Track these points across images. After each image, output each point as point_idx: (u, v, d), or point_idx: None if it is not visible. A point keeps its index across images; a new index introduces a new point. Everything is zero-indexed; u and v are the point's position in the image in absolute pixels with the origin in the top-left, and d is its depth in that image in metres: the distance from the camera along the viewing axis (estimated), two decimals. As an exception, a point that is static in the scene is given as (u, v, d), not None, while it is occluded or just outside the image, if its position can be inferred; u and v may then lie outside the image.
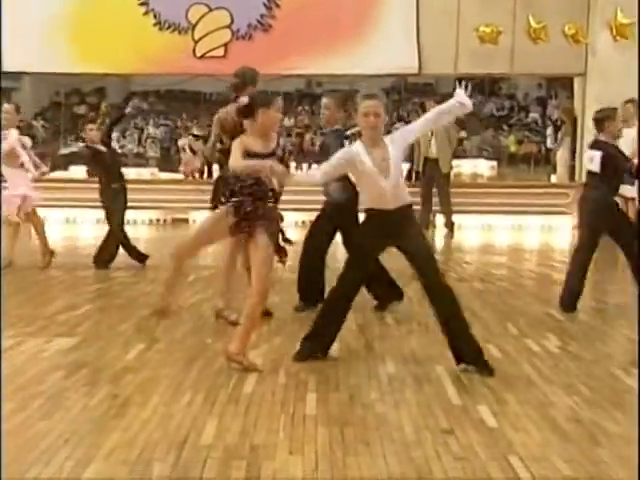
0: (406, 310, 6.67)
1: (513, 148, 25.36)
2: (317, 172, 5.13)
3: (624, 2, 12.02)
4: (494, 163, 23.51)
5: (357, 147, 4.91)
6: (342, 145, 5.77)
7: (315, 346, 5.05)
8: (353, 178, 5.33)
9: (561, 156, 14.14)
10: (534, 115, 27.75)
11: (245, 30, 13.78)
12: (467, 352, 4.86)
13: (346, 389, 4.48)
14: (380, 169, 4.82)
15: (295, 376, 4.70)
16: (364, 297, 6.56)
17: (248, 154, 4.82)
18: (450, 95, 4.98)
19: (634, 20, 11.62)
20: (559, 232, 13.01)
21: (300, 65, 13.61)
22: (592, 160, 6.63)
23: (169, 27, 13.87)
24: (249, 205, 4.83)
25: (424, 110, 13.05)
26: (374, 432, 3.81)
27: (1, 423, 3.85)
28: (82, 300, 7.00)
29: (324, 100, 6.50)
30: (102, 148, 8.66)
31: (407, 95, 27.35)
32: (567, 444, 3.69)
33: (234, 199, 4.89)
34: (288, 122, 23.52)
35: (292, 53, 13.40)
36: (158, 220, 13.66)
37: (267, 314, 5.87)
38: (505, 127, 27.30)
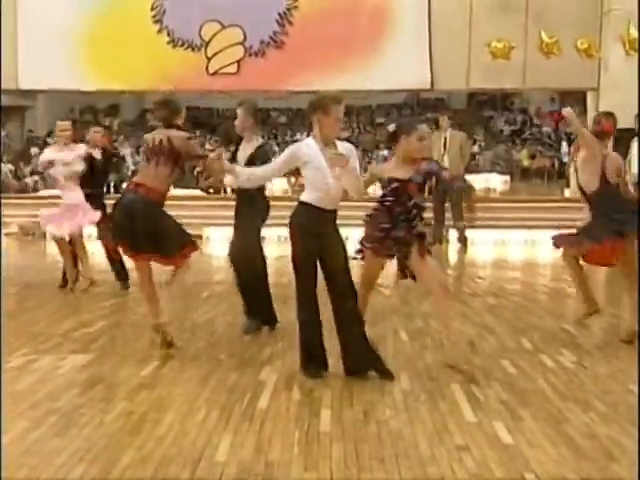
0: (420, 326, 6.66)
1: (526, 162, 25.35)
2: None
3: (636, 16, 12.03)
4: (507, 178, 23.50)
5: (309, 143, 4.99)
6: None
7: (314, 364, 5.04)
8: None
9: (574, 170, 14.08)
10: (547, 129, 27.75)
11: (258, 47, 13.88)
12: (364, 362, 5.00)
13: (360, 406, 4.48)
14: (329, 165, 4.92)
15: (309, 392, 4.70)
16: (375, 312, 6.57)
17: (389, 180, 5.23)
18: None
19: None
20: (573, 247, 12.91)
21: (312, 81, 13.64)
22: None
23: (182, 44, 13.98)
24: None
25: (437, 126, 13.08)
26: (389, 448, 3.81)
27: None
28: (96, 316, 7.02)
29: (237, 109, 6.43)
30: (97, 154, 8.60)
31: (419, 110, 27.42)
32: (583, 461, 3.67)
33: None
34: (301, 137, 23.64)
35: (304, 69, 13.47)
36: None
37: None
38: (518, 141, 27.31)
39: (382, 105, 28.21)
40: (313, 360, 5.04)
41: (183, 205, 13.71)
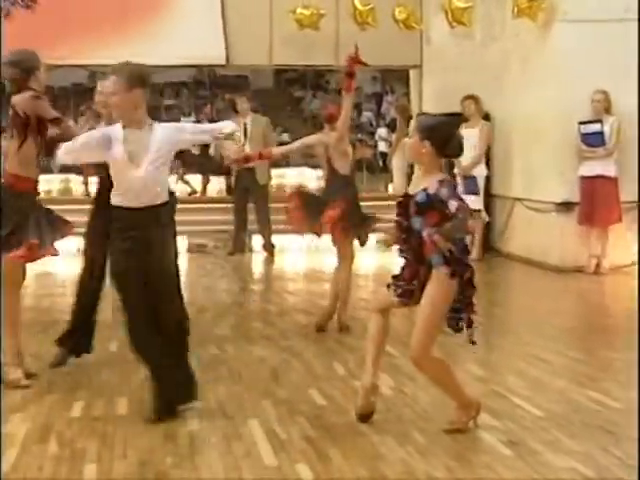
0: (214, 353, 6.67)
1: (343, 153, 25.96)
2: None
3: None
4: (321, 172, 23.90)
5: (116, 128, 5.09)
6: None
7: None
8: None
9: (397, 162, 14.55)
10: (368, 114, 28.61)
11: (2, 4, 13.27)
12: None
13: (136, 455, 4.44)
14: (131, 156, 4.98)
15: (70, 444, 4.61)
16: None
17: None
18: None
19: (471, 4, 12.09)
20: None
21: (78, 53, 13.33)
22: None
23: None
24: None
25: (235, 108, 13.15)
26: (168, 506, 3.81)
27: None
28: None
29: None
30: None
31: (217, 90, 27.52)
32: (397, 503, 3.84)
33: None
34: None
35: (68, 38, 13.05)
36: None
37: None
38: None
39: (172, 83, 28.15)
40: None
41: None
